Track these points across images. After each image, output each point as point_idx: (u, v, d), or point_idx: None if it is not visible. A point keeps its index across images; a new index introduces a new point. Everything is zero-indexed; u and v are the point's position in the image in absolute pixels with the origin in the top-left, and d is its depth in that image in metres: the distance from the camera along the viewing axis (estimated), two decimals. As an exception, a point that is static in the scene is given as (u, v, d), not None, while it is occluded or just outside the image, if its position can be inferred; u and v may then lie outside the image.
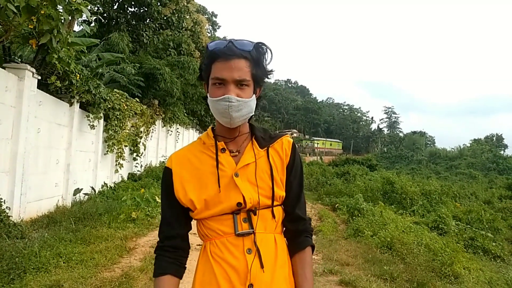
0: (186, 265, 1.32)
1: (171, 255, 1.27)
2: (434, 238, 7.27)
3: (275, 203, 1.25)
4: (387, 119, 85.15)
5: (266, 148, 1.28)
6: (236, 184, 1.20)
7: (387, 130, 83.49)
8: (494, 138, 69.54)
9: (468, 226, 10.51)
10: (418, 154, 59.30)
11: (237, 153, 1.27)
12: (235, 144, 1.28)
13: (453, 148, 59.95)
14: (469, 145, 62.55)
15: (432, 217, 10.51)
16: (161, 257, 1.27)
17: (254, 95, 1.23)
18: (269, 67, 1.27)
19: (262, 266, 1.17)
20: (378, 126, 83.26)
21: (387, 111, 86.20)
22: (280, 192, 1.26)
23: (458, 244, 7.52)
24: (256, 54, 1.21)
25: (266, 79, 1.28)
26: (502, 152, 59.46)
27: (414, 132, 76.49)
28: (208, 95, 1.23)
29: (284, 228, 1.33)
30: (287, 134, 1.36)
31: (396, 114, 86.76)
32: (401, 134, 79.31)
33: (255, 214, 1.21)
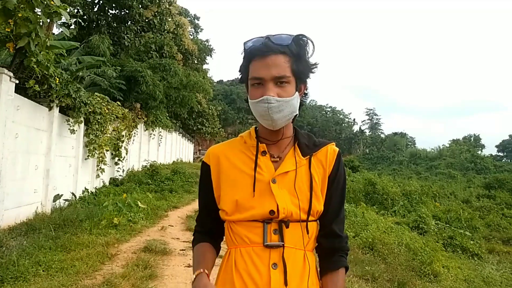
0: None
1: (205, 235, 1.30)
2: (414, 238, 7.43)
3: (311, 218, 1.16)
4: (368, 121, 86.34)
5: (308, 156, 1.20)
6: (272, 191, 1.13)
7: (369, 132, 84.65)
8: (472, 139, 71.36)
9: (447, 225, 10.79)
10: (399, 155, 60.46)
11: (278, 158, 1.19)
12: (277, 149, 1.20)
13: (433, 149, 61.48)
14: (448, 145, 64.10)
15: (412, 217, 10.74)
16: (197, 236, 1.31)
17: (297, 92, 1.14)
18: (312, 60, 1.17)
19: (286, 284, 1.09)
20: (360, 128, 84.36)
21: (368, 113, 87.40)
22: (318, 206, 1.17)
23: (437, 243, 7.72)
24: (296, 48, 1.12)
25: (311, 74, 1.18)
26: (479, 152, 61.08)
27: (395, 133, 77.81)
28: (248, 97, 1.16)
29: (317, 244, 1.23)
30: (333, 142, 1.26)
31: (377, 115, 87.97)
32: (382, 136, 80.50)
33: (287, 227, 1.12)
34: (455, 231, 9.62)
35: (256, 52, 1.11)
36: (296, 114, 1.18)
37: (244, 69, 1.17)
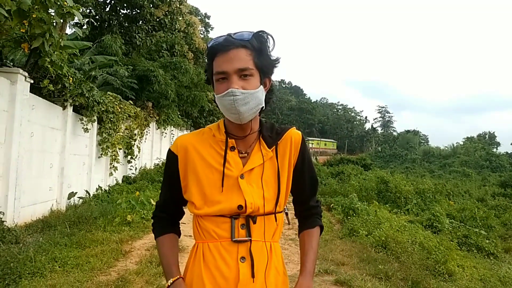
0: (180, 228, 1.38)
1: (167, 221, 1.34)
2: (428, 237, 7.33)
3: (278, 209, 1.21)
4: (380, 119, 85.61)
5: (274, 147, 1.23)
6: (240, 186, 1.16)
7: (381, 130, 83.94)
8: (487, 136, 70.21)
9: (462, 224, 10.62)
10: (412, 153, 59.70)
11: (246, 154, 1.22)
12: (245, 144, 1.23)
13: (446, 147, 60.56)
14: (462, 143, 63.10)
15: (426, 215, 10.60)
16: (159, 223, 1.34)
17: (261, 86, 1.16)
18: (273, 56, 1.19)
19: (253, 276, 1.14)
20: (372, 126, 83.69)
21: (380, 111, 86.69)
22: (285, 198, 1.24)
23: (452, 242, 7.61)
24: (256, 43, 1.14)
25: (274, 68, 1.21)
26: (494, 149, 59.98)
27: (408, 131, 76.94)
28: (214, 89, 1.17)
29: (295, 211, 1.38)
30: (293, 127, 1.30)
31: (389, 113, 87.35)
32: (395, 133, 79.78)
33: (254, 222, 1.16)
34: (470, 230, 9.45)
35: (218, 48, 1.13)
36: (263, 107, 1.19)
37: (208, 67, 1.19)
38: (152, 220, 1.37)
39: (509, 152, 64.27)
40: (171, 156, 1.25)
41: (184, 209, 1.38)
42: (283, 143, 1.24)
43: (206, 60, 1.21)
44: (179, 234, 1.36)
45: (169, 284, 1.21)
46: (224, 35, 1.15)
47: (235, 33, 1.15)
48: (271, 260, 1.19)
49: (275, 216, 1.21)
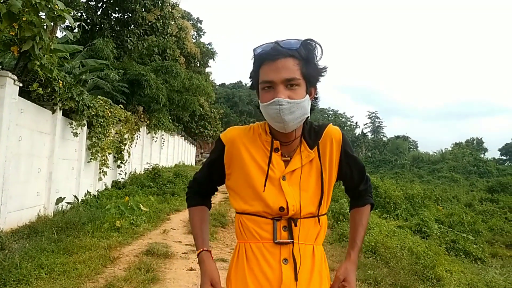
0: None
1: (200, 195, 1.42)
2: (417, 242, 7.40)
3: (321, 211, 1.23)
4: (371, 124, 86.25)
5: (316, 147, 1.24)
6: (282, 187, 1.18)
7: (371, 135, 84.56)
8: (475, 142, 71.13)
9: (450, 229, 10.74)
10: (402, 158, 60.23)
11: (288, 158, 1.23)
12: (288, 148, 1.24)
13: (435, 152, 61.26)
14: (450, 148, 63.91)
15: (415, 220, 10.70)
16: (192, 195, 1.42)
17: (307, 95, 1.16)
18: (321, 64, 1.19)
19: (296, 279, 1.14)
20: (362, 131, 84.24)
21: (371, 116, 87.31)
22: (327, 200, 1.26)
23: (440, 247, 7.68)
24: (304, 52, 1.14)
25: (320, 77, 1.21)
26: (482, 155, 60.86)
27: (398, 137, 77.64)
28: (259, 102, 1.19)
29: (345, 192, 1.44)
30: (329, 123, 1.31)
31: (379, 119, 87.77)
32: (384, 139, 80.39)
33: (295, 225, 1.17)
34: (458, 235, 9.57)
35: (266, 57, 1.13)
36: (308, 116, 1.21)
37: (254, 74, 1.20)
38: (187, 190, 1.46)
39: (496, 158, 65.37)
40: (219, 144, 1.30)
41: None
42: (323, 142, 1.26)
43: (252, 66, 1.21)
44: (209, 207, 1.45)
45: (198, 253, 1.31)
46: (272, 43, 1.15)
47: (282, 41, 1.14)
48: (314, 264, 1.20)
49: (318, 219, 1.22)
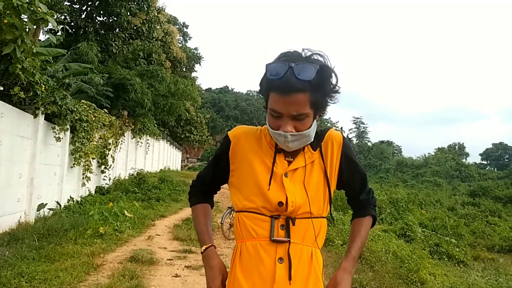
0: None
1: (203, 194, 1.45)
2: (401, 246, 7.50)
3: (320, 212, 1.23)
4: (356, 129, 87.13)
5: (319, 149, 1.26)
6: (283, 183, 1.19)
7: (356, 140, 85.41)
8: (457, 147, 72.62)
9: (434, 232, 10.92)
10: (386, 163, 61.04)
11: (292, 159, 1.25)
12: (292, 152, 1.25)
13: (418, 157, 62.30)
14: (433, 153, 65.07)
15: (399, 224, 10.85)
16: (196, 193, 1.45)
17: (314, 121, 1.18)
18: (333, 92, 1.18)
19: (290, 278, 1.13)
20: (347, 136, 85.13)
21: (355, 121, 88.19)
22: (329, 202, 1.26)
23: (424, 251, 7.81)
24: (318, 80, 1.09)
25: (329, 103, 1.20)
26: (464, 160, 62.18)
27: (382, 142, 78.60)
28: (266, 118, 1.21)
29: (348, 203, 1.42)
30: (332, 127, 1.34)
31: (364, 124, 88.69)
32: (369, 144, 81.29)
33: (293, 224, 1.18)
34: (441, 239, 9.74)
35: (276, 87, 1.10)
36: (311, 141, 1.23)
37: (263, 91, 1.19)
38: (190, 189, 1.48)
39: (477, 162, 66.83)
40: (226, 140, 1.32)
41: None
42: (325, 144, 1.28)
43: (263, 79, 1.18)
44: (212, 205, 1.47)
45: (202, 250, 1.32)
46: (286, 66, 1.08)
47: (297, 65, 1.08)
48: (311, 266, 1.19)
49: (317, 221, 1.22)
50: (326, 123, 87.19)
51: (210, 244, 1.32)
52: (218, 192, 1.50)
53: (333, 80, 1.16)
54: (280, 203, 1.17)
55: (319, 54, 1.15)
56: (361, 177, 1.34)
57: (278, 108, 1.12)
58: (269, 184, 1.19)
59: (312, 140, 1.22)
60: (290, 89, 1.08)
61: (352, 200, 1.38)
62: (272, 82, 1.11)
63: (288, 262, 1.14)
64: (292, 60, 1.11)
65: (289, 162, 1.24)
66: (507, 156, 70.01)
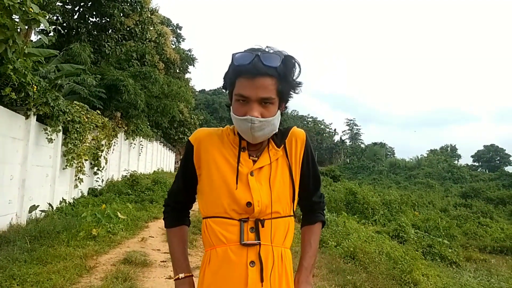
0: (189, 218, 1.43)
1: (178, 213, 1.39)
2: (394, 247, 7.53)
3: (287, 211, 1.22)
4: (349, 131, 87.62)
5: (283, 145, 1.26)
6: (249, 183, 1.17)
7: (350, 142, 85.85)
8: (449, 149, 73.32)
9: (426, 233, 11.00)
10: (379, 164, 61.43)
11: (256, 158, 1.24)
12: (256, 149, 1.25)
13: (411, 159, 62.73)
14: (426, 155, 65.59)
15: (392, 226, 10.91)
16: (170, 213, 1.38)
17: (278, 111, 1.19)
18: (297, 81, 1.21)
19: (261, 280, 1.12)
20: (340, 138, 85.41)
21: (349, 123, 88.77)
22: (295, 199, 1.25)
23: (417, 252, 7.84)
24: (283, 69, 1.14)
25: (293, 93, 1.23)
26: (456, 162, 62.80)
27: (375, 143, 79.09)
28: (231, 108, 1.20)
29: (298, 204, 1.38)
30: (294, 126, 1.34)
31: (357, 126, 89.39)
32: (362, 146, 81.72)
33: (263, 226, 1.16)
34: (434, 240, 9.81)
35: (245, 71, 1.12)
36: (275, 132, 1.23)
37: (229, 81, 1.20)
38: (164, 209, 1.43)
39: (469, 164, 67.49)
40: (188, 146, 1.29)
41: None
42: (289, 141, 1.28)
43: (229, 69, 1.19)
44: (189, 223, 1.42)
45: (180, 277, 1.27)
46: (252, 54, 1.12)
47: (263, 53, 1.13)
48: (283, 266, 1.19)
49: (285, 220, 1.21)
50: (320, 125, 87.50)
51: (185, 275, 1.28)
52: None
53: (296, 71, 1.19)
54: (248, 203, 1.15)
55: (281, 52, 1.18)
56: (317, 178, 1.35)
57: (246, 92, 1.12)
58: (236, 183, 1.17)
59: (276, 130, 1.22)
60: (258, 72, 1.10)
61: (303, 200, 1.35)
62: (239, 68, 1.13)
63: (260, 264, 1.13)
64: (257, 51, 1.14)
65: (254, 161, 1.23)
66: (498, 158, 70.79)
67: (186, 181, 1.32)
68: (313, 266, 1.30)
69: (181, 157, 1.36)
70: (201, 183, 1.27)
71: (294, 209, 1.28)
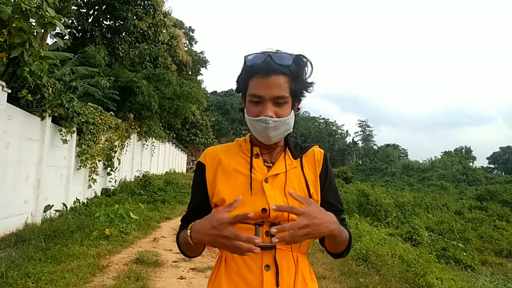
0: None
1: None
2: (407, 249, 7.42)
3: None
4: (361, 132, 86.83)
5: (299, 158, 1.25)
6: (264, 189, 1.17)
7: (362, 143, 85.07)
8: (463, 151, 72.03)
9: (440, 236, 10.81)
10: (392, 166, 60.66)
11: (271, 164, 1.23)
12: (270, 156, 1.25)
13: (425, 160, 61.77)
14: (440, 157, 64.54)
15: (405, 228, 10.75)
16: (184, 227, 1.30)
17: (292, 110, 1.19)
18: (309, 80, 1.21)
19: (277, 285, 1.12)
20: (353, 139, 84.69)
21: (361, 125, 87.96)
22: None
23: (430, 255, 7.71)
24: (295, 68, 1.15)
25: (306, 93, 1.23)
26: (471, 164, 61.64)
27: (388, 145, 78.18)
28: (245, 110, 1.20)
29: (310, 247, 1.32)
30: (316, 144, 1.33)
31: (370, 127, 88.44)
32: (375, 147, 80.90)
33: None
34: (448, 243, 9.63)
35: (258, 70, 1.13)
36: (290, 132, 1.23)
37: (243, 82, 1.20)
38: (180, 223, 1.37)
39: (484, 166, 66.26)
40: (200, 166, 1.28)
41: None
42: (308, 158, 1.27)
43: (242, 72, 1.20)
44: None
45: (189, 233, 1.13)
46: (265, 55, 1.14)
47: (275, 54, 1.14)
48: (299, 272, 1.17)
49: None
50: (332, 126, 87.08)
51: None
52: None
53: (308, 70, 1.19)
54: (264, 210, 1.14)
55: (292, 53, 1.18)
56: (337, 194, 1.30)
57: (259, 92, 1.13)
58: (251, 189, 1.17)
59: (291, 130, 1.22)
60: (271, 70, 1.11)
61: None
62: (252, 68, 1.14)
63: (276, 268, 1.13)
64: (269, 52, 1.15)
65: (269, 168, 1.22)
66: (515, 160, 69.31)
67: (201, 204, 1.30)
68: (340, 232, 1.16)
69: (193, 177, 1.33)
70: (215, 198, 1.23)
71: None
